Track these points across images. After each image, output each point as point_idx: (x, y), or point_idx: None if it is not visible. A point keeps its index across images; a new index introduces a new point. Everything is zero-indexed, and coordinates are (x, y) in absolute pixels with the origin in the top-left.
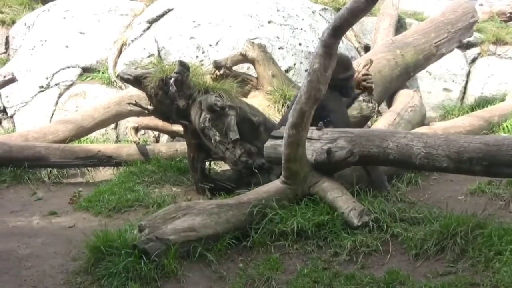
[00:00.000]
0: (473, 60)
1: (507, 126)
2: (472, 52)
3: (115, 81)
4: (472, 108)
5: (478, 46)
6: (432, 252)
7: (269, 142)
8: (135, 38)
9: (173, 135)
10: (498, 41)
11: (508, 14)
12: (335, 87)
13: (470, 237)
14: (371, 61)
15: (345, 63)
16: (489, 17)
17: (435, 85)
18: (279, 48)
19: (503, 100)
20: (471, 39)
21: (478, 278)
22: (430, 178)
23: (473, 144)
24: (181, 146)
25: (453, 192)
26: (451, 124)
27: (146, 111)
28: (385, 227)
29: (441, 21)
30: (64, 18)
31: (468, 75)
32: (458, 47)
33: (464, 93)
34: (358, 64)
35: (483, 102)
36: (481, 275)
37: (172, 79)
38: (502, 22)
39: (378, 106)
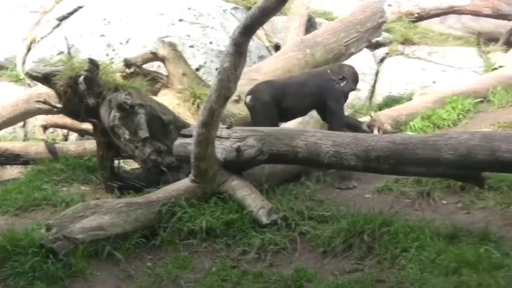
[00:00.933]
0: (382, 60)
1: (414, 125)
2: (381, 51)
3: (24, 79)
4: (380, 107)
5: (387, 46)
6: (340, 250)
7: (179, 141)
8: (45, 36)
9: (82, 133)
10: (406, 41)
11: (416, 15)
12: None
13: (377, 235)
14: None
15: (357, 77)
16: (397, 18)
17: None
18: (190, 47)
19: (410, 99)
20: (380, 39)
21: (384, 275)
22: None
23: (380, 143)
24: (90, 144)
25: (361, 190)
26: None
27: (55, 109)
28: (293, 225)
29: (351, 21)
30: None
31: (376, 74)
32: (367, 47)
33: (373, 92)
34: None
35: (390, 101)
36: (387, 272)
37: (82, 77)
38: (410, 22)
39: None
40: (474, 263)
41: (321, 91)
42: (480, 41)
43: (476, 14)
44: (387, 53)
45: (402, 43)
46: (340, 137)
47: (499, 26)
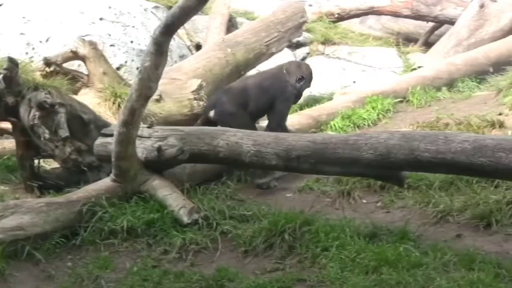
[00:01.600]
0: (303, 60)
1: (334, 125)
2: (302, 51)
3: None
4: (301, 107)
5: (308, 45)
6: (261, 249)
7: (99, 140)
8: None
9: (1, 132)
10: (327, 41)
11: (337, 15)
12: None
13: (297, 234)
14: None
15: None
16: (318, 18)
17: None
18: (110, 46)
19: (331, 99)
20: (300, 38)
21: (305, 273)
22: None
23: (301, 142)
24: (10, 143)
25: (282, 189)
26: None
27: None
28: (214, 224)
29: (272, 21)
30: None
31: None
32: (288, 47)
33: None
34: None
35: (312, 101)
36: (308, 271)
37: (1, 75)
38: (331, 22)
39: None
40: (394, 262)
41: (275, 93)
42: (400, 41)
43: (396, 15)
44: (308, 53)
45: (323, 43)
46: (261, 136)
47: (418, 27)
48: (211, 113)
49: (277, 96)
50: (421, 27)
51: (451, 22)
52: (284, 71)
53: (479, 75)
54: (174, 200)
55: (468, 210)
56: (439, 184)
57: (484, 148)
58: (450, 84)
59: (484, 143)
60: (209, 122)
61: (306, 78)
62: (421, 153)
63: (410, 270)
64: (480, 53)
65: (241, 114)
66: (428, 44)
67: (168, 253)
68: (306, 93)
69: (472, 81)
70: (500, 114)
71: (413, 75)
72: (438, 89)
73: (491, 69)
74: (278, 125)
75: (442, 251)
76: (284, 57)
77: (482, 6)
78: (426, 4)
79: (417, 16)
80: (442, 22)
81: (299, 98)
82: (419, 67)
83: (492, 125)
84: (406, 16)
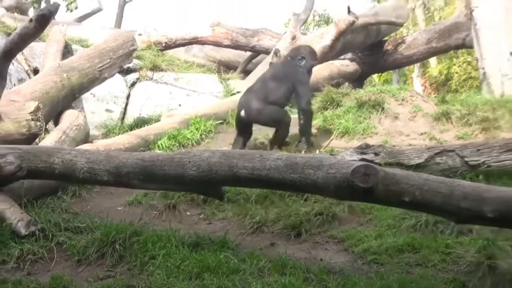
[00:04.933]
0: (133, 84)
1: (161, 144)
2: (132, 77)
3: None
4: (131, 127)
5: (138, 71)
6: (94, 258)
7: None
8: None
9: None
10: (155, 67)
11: (164, 44)
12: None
13: (127, 244)
14: None
15: (315, 53)
16: (147, 46)
17: (99, 106)
18: None
19: (158, 120)
20: (131, 65)
21: (134, 280)
22: (92, 191)
23: (131, 160)
24: None
25: (113, 203)
26: (112, 142)
27: None
28: (50, 236)
29: (104, 48)
30: None
31: (128, 97)
32: (119, 72)
33: (125, 113)
34: None
35: (141, 122)
36: (137, 277)
37: None
38: (159, 50)
39: (45, 125)
40: (215, 268)
41: (293, 79)
42: (221, 69)
43: (217, 44)
44: (138, 78)
45: (151, 69)
46: (94, 154)
47: (237, 55)
48: (242, 113)
49: (294, 81)
50: (240, 56)
51: (267, 52)
52: (289, 58)
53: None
54: (12, 213)
55: (281, 221)
56: (255, 198)
57: (295, 166)
58: None
59: (295, 161)
60: (241, 120)
61: (306, 56)
62: (240, 170)
63: (229, 275)
64: None
65: (266, 107)
66: (246, 72)
67: (6, 263)
68: (135, 114)
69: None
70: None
71: (232, 99)
72: None
73: None
74: (306, 104)
75: (258, 258)
76: (116, 81)
77: (293, 38)
78: (244, 36)
79: (236, 46)
80: (258, 52)
81: (311, 73)
82: (237, 92)
83: None
84: (226, 46)
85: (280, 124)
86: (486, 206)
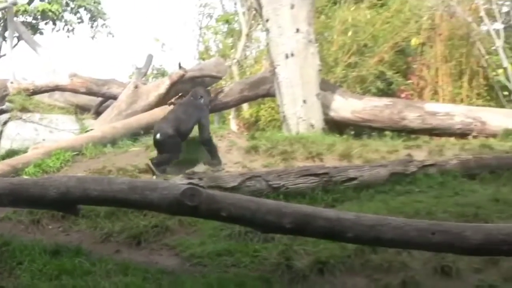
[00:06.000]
0: (5, 123)
1: (28, 171)
2: (4, 116)
3: None
4: (3, 157)
5: (9, 112)
6: None
7: None
8: None
9: None
10: (24, 109)
11: (31, 90)
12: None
13: None
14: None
15: (209, 92)
16: (17, 91)
17: None
18: None
19: (26, 152)
20: (4, 107)
21: (4, 282)
22: None
23: (1, 183)
24: None
25: None
26: None
27: None
28: None
29: None
30: None
31: (1, 133)
32: None
33: None
34: None
35: (12, 153)
36: (6, 280)
37: None
38: (27, 95)
39: None
40: (71, 271)
41: (198, 114)
42: (77, 110)
43: (75, 91)
44: (9, 118)
45: (21, 110)
46: None
47: (91, 100)
48: (157, 136)
49: (200, 116)
50: (93, 100)
51: (115, 97)
52: (192, 98)
53: (134, 136)
54: None
55: (125, 232)
56: (104, 214)
57: (136, 188)
58: (113, 142)
59: (136, 184)
60: (156, 141)
61: (203, 95)
62: (92, 192)
63: (83, 277)
64: (134, 120)
65: (176, 136)
66: (98, 113)
67: None
68: (8, 147)
69: (129, 140)
70: (147, 164)
71: (86, 135)
72: (105, 145)
73: (142, 132)
74: (208, 134)
75: (106, 262)
76: None
77: (136, 86)
78: (97, 85)
79: (90, 93)
80: (108, 98)
81: (209, 108)
82: (91, 129)
83: (142, 171)
84: (82, 93)
85: (172, 152)
86: (285, 219)
